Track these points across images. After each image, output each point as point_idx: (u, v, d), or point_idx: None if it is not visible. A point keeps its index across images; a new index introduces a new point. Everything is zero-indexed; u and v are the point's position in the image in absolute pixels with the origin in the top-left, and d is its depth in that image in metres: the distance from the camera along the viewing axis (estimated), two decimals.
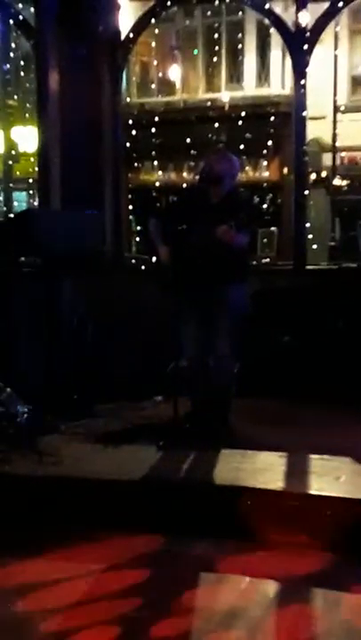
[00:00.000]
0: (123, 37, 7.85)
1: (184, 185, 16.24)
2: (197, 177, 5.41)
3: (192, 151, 16.30)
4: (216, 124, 17.77)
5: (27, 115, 14.98)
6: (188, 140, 16.54)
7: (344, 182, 17.84)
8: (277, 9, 8.00)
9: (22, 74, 17.41)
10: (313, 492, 4.41)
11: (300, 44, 7.42)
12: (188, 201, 5.61)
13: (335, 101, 16.99)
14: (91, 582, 3.79)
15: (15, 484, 4.75)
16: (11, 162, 16.42)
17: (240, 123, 17.46)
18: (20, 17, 8.31)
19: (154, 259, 5.60)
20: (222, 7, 18.20)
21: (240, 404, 5.80)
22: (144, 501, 4.52)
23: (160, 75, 19.58)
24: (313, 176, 15.38)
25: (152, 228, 5.56)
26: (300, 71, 7.45)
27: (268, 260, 14.17)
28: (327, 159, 17.37)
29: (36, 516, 4.51)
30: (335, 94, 16.93)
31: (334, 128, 16.99)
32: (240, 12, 17.93)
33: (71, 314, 6.83)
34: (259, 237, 17.05)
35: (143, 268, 7.74)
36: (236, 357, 5.52)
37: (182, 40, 19.26)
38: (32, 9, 7.99)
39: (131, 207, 14.22)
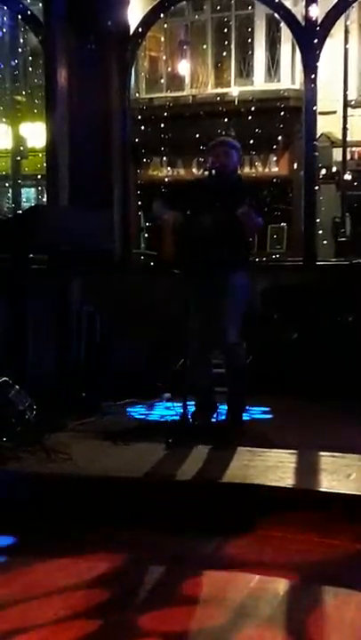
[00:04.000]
0: (131, 32, 7.82)
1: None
2: (208, 170, 5.34)
3: (201, 146, 16.20)
4: (225, 120, 17.71)
5: (35, 110, 14.94)
6: (197, 136, 16.46)
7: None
8: (287, 3, 7.96)
9: (30, 69, 17.43)
10: (324, 489, 4.38)
11: (310, 39, 7.37)
12: (196, 191, 5.58)
13: (345, 96, 16.90)
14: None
15: (23, 482, 4.74)
16: (19, 158, 16.50)
17: (250, 118, 17.40)
18: (29, 12, 8.29)
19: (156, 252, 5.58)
20: (232, 1, 18.22)
21: (249, 401, 5.77)
22: (153, 499, 4.49)
23: (169, 70, 19.55)
24: (323, 171, 15.31)
25: (157, 208, 5.54)
26: (310, 66, 7.41)
27: (277, 255, 14.13)
28: (337, 154, 17.29)
29: (42, 513, 4.49)
30: (346, 89, 16.84)
31: (345, 123, 16.90)
32: (250, 7, 17.89)
33: (80, 311, 6.81)
34: (269, 233, 17.02)
35: (152, 264, 7.72)
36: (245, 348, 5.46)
37: (191, 35, 19.21)
38: (40, 4, 7.99)
39: (139, 203, 14.18)
